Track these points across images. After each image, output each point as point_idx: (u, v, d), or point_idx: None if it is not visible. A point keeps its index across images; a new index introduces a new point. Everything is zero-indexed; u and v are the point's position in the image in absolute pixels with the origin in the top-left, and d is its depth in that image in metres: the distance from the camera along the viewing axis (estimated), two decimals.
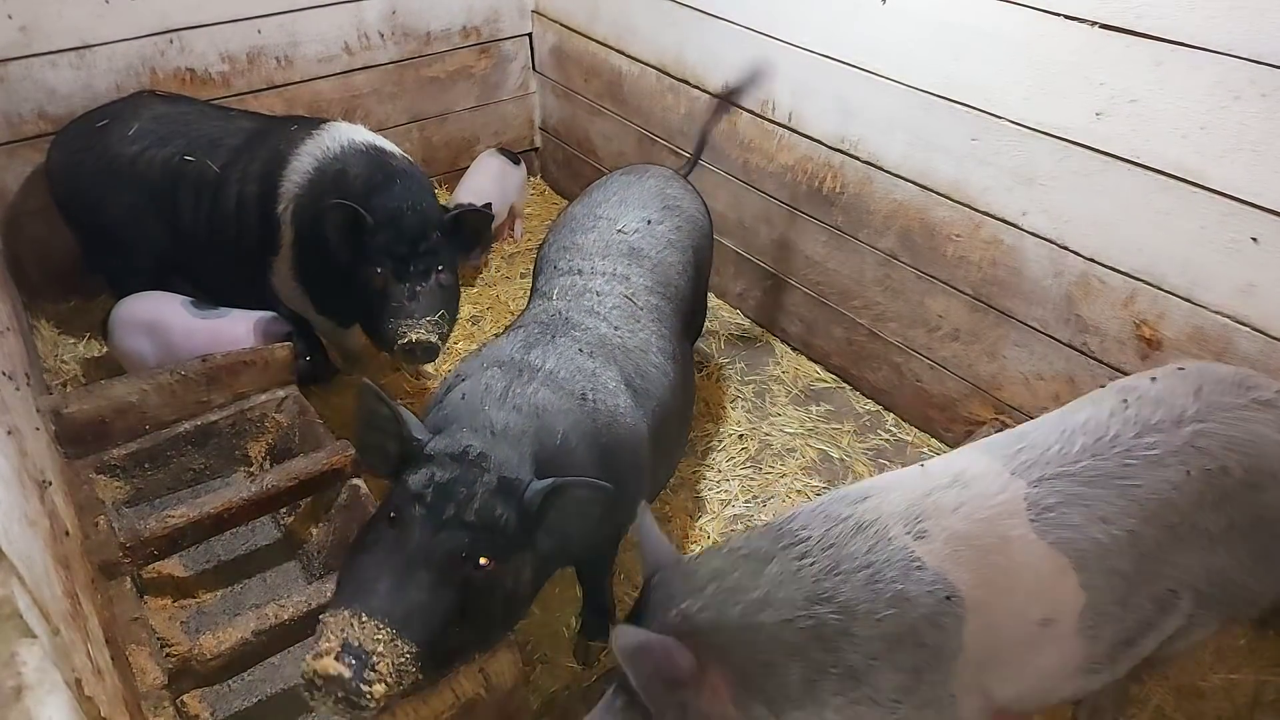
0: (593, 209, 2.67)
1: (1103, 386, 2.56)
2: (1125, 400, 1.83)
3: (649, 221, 2.63)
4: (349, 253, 2.79)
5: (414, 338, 2.74)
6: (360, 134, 3.09)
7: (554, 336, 2.21)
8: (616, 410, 2.14)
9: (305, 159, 2.99)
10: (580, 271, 2.46)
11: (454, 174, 4.44)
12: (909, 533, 1.66)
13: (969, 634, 1.63)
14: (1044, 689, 1.81)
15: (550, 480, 1.82)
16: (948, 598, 1.61)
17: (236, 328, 3.06)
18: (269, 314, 3.12)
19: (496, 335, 2.36)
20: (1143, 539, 1.70)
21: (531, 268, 2.72)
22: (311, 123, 3.16)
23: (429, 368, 3.50)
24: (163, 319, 3.08)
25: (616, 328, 2.32)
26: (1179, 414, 1.78)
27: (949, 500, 1.71)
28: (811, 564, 1.62)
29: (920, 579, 1.61)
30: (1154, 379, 1.87)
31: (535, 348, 2.16)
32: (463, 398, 2.00)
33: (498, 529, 1.79)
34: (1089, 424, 1.80)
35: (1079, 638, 1.72)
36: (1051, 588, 1.68)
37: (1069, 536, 1.68)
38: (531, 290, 2.60)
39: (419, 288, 2.79)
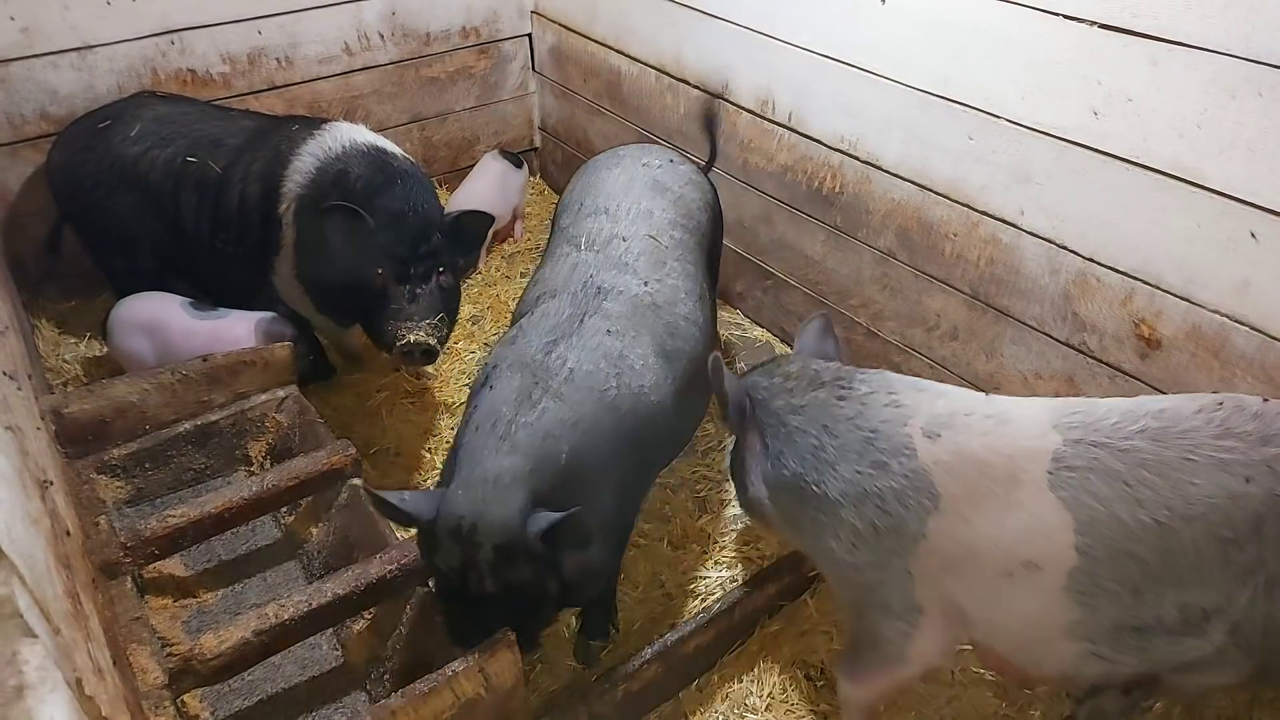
0: (616, 154, 2.82)
1: (1098, 383, 2.57)
2: (1221, 404, 1.78)
3: (671, 160, 2.78)
4: (350, 254, 2.79)
5: (413, 339, 2.74)
6: (362, 134, 3.09)
7: (582, 319, 2.23)
8: (642, 391, 2.19)
9: (307, 159, 3.00)
10: (607, 210, 2.51)
11: (454, 174, 4.45)
12: (924, 430, 1.89)
13: (934, 528, 1.85)
14: (1031, 638, 1.90)
15: (541, 525, 1.89)
16: (921, 488, 1.86)
17: (236, 328, 3.07)
18: (269, 314, 3.12)
19: (534, 303, 2.38)
20: (1177, 537, 1.69)
21: (547, 239, 2.75)
22: (313, 123, 3.17)
23: (429, 368, 3.50)
24: (162, 320, 3.08)
25: (646, 282, 2.36)
26: (1270, 433, 1.71)
27: (979, 426, 1.87)
28: (842, 407, 2.00)
29: (903, 463, 1.88)
30: (1266, 399, 1.78)
31: (560, 343, 2.17)
32: (476, 430, 2.03)
33: (520, 586, 1.97)
34: (1165, 413, 1.79)
35: (1067, 597, 1.79)
36: (1044, 537, 1.77)
37: (1083, 500, 1.74)
38: (554, 225, 2.67)
39: (419, 290, 2.79)
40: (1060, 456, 1.78)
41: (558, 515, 1.88)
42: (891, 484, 1.89)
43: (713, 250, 2.80)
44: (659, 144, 2.93)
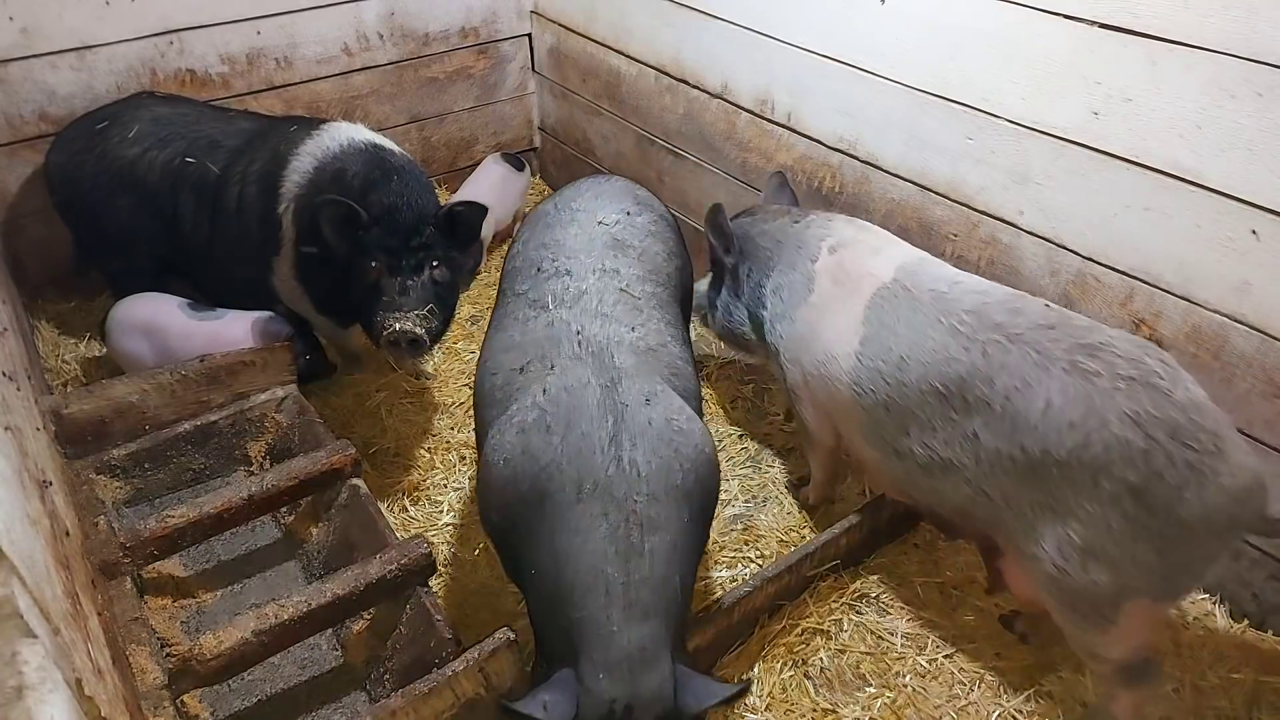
0: (567, 204, 2.50)
1: None
2: (1020, 297, 2.19)
3: (628, 213, 2.49)
4: (345, 248, 2.80)
5: (399, 328, 2.74)
6: (360, 133, 3.09)
7: (614, 389, 1.95)
8: (697, 452, 1.98)
9: (305, 159, 3.00)
10: (570, 272, 2.25)
11: (453, 174, 4.45)
12: (829, 246, 2.54)
13: (800, 315, 2.52)
14: (847, 433, 2.46)
15: (703, 705, 1.76)
16: (808, 284, 2.52)
17: (234, 329, 3.07)
18: (267, 314, 3.12)
19: (521, 373, 2.07)
20: (910, 375, 2.19)
21: (496, 303, 2.49)
22: (311, 123, 3.17)
23: (428, 367, 3.50)
24: (160, 320, 3.08)
25: (632, 328, 2.14)
26: (1008, 325, 2.08)
27: (863, 251, 2.47)
28: (791, 228, 2.68)
29: (807, 266, 2.55)
30: (1050, 305, 2.15)
31: (620, 440, 1.87)
32: (586, 596, 1.77)
33: None
34: (975, 289, 2.23)
35: (850, 395, 2.35)
36: (845, 339, 2.36)
37: (872, 319, 2.31)
38: (504, 292, 2.41)
39: (409, 281, 2.79)
40: (884, 287, 2.32)
41: (719, 693, 1.78)
42: (794, 278, 2.57)
43: (685, 298, 2.58)
44: (620, 177, 2.72)
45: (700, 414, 2.17)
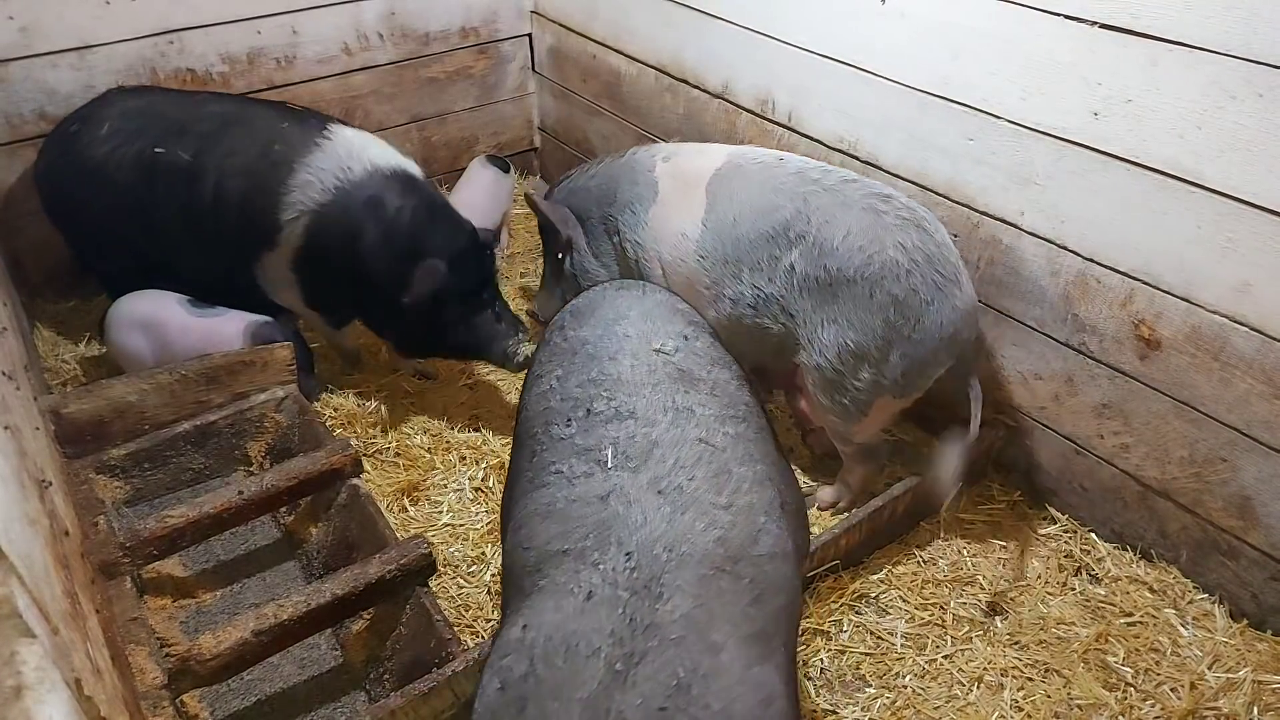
0: (609, 329, 2.00)
1: (1098, 384, 2.57)
2: (814, 164, 2.77)
3: (685, 337, 2.04)
4: (423, 296, 2.93)
5: (526, 353, 3.04)
6: (375, 148, 3.06)
7: (631, 666, 1.41)
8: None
9: (324, 175, 2.95)
10: (634, 414, 1.81)
11: (453, 174, 4.45)
12: (662, 157, 2.98)
13: (652, 214, 2.91)
14: (697, 305, 2.50)
15: None
16: (652, 188, 2.92)
17: (232, 327, 3.06)
18: (263, 318, 3.11)
19: (557, 560, 1.62)
20: (745, 228, 2.68)
21: (517, 435, 2.03)
22: (309, 124, 3.09)
23: (429, 368, 3.50)
24: (158, 317, 3.08)
25: (712, 521, 1.63)
26: (824, 179, 2.64)
27: (692, 153, 2.96)
28: (620, 158, 3.09)
29: (646, 175, 2.95)
30: (857, 180, 2.68)
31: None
32: None
33: None
34: (787, 161, 2.76)
35: (698, 264, 2.79)
36: (693, 214, 2.78)
37: (713, 192, 2.75)
38: (535, 436, 1.92)
39: (497, 308, 3.12)
40: (718, 170, 2.78)
41: None
42: (639, 191, 2.95)
43: (770, 430, 2.12)
44: (649, 284, 2.22)
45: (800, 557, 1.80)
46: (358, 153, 3.01)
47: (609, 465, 1.71)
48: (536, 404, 1.97)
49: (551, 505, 1.70)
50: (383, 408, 3.29)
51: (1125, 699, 2.35)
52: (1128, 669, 2.41)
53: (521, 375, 3.16)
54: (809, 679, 2.44)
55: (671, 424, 1.79)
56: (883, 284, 2.47)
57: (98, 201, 3.15)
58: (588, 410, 1.85)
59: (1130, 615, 2.55)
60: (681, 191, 2.84)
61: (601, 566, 1.54)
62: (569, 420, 1.87)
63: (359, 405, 3.31)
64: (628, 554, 1.55)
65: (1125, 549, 2.73)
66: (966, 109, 2.70)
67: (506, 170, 4.29)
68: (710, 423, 1.83)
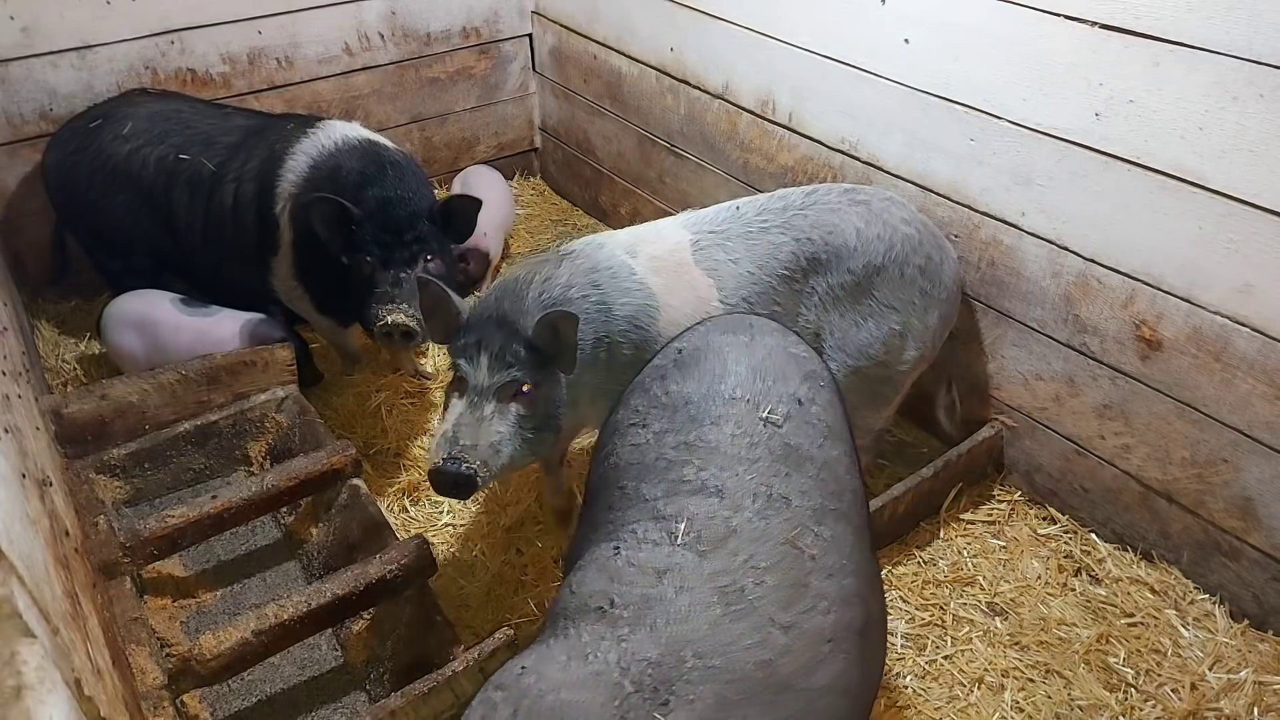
0: (713, 389, 1.83)
1: (1099, 385, 2.57)
2: (771, 195, 2.71)
3: (800, 402, 1.81)
4: (338, 244, 2.82)
5: (390, 320, 2.75)
6: (355, 130, 3.09)
7: None
8: None
9: (301, 158, 3.00)
10: (721, 492, 1.66)
11: (453, 175, 4.44)
12: (621, 255, 2.54)
13: (658, 303, 2.51)
14: None
15: None
16: (649, 300, 2.50)
17: (225, 327, 3.06)
18: (259, 316, 3.12)
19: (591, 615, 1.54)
20: (758, 279, 2.56)
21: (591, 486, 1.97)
22: (308, 121, 3.16)
23: (428, 367, 3.50)
24: (151, 316, 3.08)
25: (763, 640, 1.47)
26: (789, 203, 2.65)
27: (649, 236, 2.63)
28: (556, 264, 2.46)
29: (620, 266, 2.51)
30: (815, 190, 2.71)
31: None
32: None
33: None
34: (743, 206, 2.67)
35: (719, 307, 2.57)
36: (704, 294, 2.54)
37: (712, 267, 2.55)
38: (622, 485, 1.80)
39: (402, 274, 2.82)
40: (695, 241, 2.59)
41: None
42: (637, 299, 2.52)
43: (869, 525, 1.87)
44: (763, 319, 2.09)
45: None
46: (335, 133, 3.03)
47: (677, 541, 1.59)
48: (629, 454, 1.83)
49: (612, 560, 1.61)
50: (383, 408, 3.29)
51: (1126, 700, 2.34)
52: (1129, 670, 2.40)
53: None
54: None
55: (758, 514, 1.62)
56: (909, 259, 2.60)
57: (117, 198, 3.19)
58: (681, 480, 1.71)
59: (1131, 616, 2.54)
60: (674, 279, 2.54)
61: (624, 645, 1.43)
62: (657, 478, 1.74)
63: (359, 405, 3.31)
64: (656, 643, 1.42)
65: (1126, 550, 2.73)
66: (968, 109, 2.69)
67: (509, 178, 4.27)
68: (805, 519, 1.64)
